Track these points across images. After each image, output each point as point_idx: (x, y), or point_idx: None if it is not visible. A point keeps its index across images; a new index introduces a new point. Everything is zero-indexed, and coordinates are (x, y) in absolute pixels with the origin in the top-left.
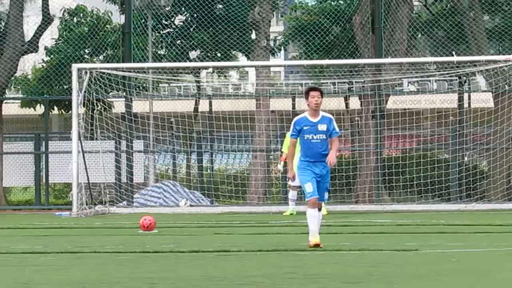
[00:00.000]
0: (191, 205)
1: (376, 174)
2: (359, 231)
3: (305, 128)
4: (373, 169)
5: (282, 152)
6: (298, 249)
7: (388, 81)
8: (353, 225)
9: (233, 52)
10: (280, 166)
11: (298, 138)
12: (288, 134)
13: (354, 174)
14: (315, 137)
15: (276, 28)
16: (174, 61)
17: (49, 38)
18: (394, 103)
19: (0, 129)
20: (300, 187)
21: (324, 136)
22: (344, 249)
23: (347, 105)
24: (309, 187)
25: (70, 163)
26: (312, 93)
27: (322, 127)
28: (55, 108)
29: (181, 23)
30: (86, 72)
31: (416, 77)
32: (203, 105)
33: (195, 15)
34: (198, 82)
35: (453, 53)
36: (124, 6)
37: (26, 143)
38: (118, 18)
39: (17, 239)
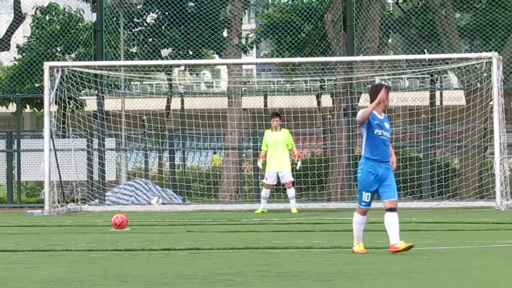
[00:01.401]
0: (163, 203)
1: (348, 171)
2: (331, 229)
3: (374, 122)
4: (345, 167)
5: (261, 150)
6: (270, 247)
7: (360, 79)
8: (325, 223)
9: (205, 50)
10: (259, 164)
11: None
12: (266, 132)
13: (326, 172)
14: (384, 133)
15: (248, 26)
16: (146, 59)
17: (21, 36)
18: (366, 100)
19: None
20: (273, 185)
21: (388, 135)
22: (316, 247)
23: (319, 103)
24: (366, 197)
25: (42, 161)
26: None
27: (387, 125)
28: (27, 106)
29: (153, 21)
30: (58, 70)
31: (388, 74)
32: (175, 103)
33: (166, 13)
34: (170, 80)
35: (425, 50)
36: (96, 4)
37: None
38: (90, 16)
39: None
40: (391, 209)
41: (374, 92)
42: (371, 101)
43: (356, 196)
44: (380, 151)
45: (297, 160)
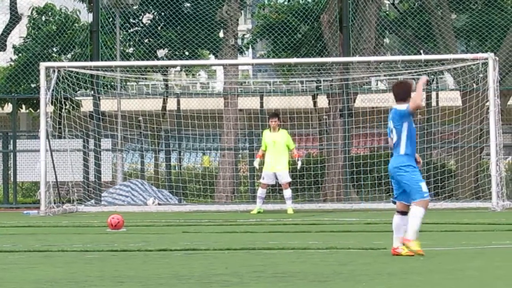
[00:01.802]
0: (159, 204)
1: (344, 172)
2: (327, 230)
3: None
4: (341, 168)
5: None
6: (266, 247)
7: (356, 80)
8: (321, 224)
9: (201, 51)
10: (256, 163)
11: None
12: (265, 132)
13: (322, 173)
14: None
15: (244, 26)
16: (142, 59)
17: (17, 36)
18: (362, 101)
19: None
20: (269, 185)
21: None
22: (312, 248)
23: (315, 103)
24: (425, 187)
25: (38, 162)
26: None
27: None
28: (23, 106)
29: (149, 22)
30: (54, 71)
31: (384, 75)
32: (171, 104)
33: (163, 13)
34: (166, 80)
35: (421, 51)
36: (92, 4)
37: None
38: (86, 17)
39: None
40: (404, 213)
41: (403, 90)
42: (397, 99)
43: (352, 197)
44: (415, 145)
45: (298, 160)
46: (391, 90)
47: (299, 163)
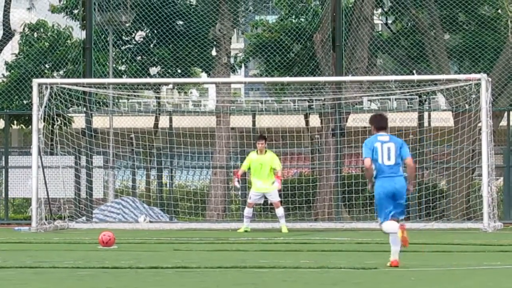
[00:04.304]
0: (150, 221)
1: (335, 192)
2: (318, 249)
3: None
4: (333, 187)
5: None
6: (257, 266)
7: (348, 99)
8: (313, 243)
9: (194, 69)
10: (236, 183)
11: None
12: (251, 153)
13: (313, 192)
14: None
15: (237, 45)
16: (135, 77)
17: (9, 53)
18: (354, 121)
19: None
20: (257, 204)
21: None
22: (304, 267)
23: (307, 122)
24: None
25: (30, 178)
26: None
27: None
28: (15, 123)
29: (142, 39)
30: (46, 87)
31: (376, 95)
32: (163, 121)
33: (155, 31)
34: (158, 98)
35: (414, 71)
36: (85, 21)
37: None
38: (79, 34)
39: None
40: None
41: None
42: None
43: (343, 217)
44: None
45: (275, 181)
46: (379, 120)
47: (276, 184)
